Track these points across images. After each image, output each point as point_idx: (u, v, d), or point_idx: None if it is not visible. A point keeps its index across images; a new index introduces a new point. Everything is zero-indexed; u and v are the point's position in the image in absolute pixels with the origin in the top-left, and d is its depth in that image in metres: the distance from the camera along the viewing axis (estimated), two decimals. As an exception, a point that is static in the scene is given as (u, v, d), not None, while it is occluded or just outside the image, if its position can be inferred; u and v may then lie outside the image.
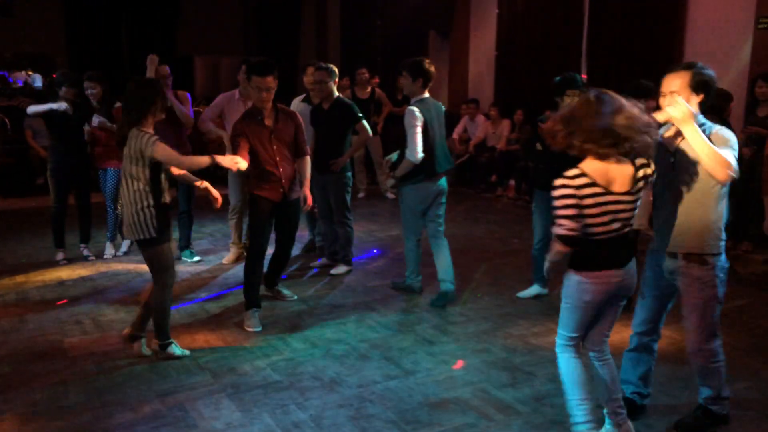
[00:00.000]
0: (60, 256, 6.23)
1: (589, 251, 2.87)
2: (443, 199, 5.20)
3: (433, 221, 5.20)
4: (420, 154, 4.87)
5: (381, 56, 12.85)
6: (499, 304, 5.14)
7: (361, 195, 9.45)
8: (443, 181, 5.17)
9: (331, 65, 5.73)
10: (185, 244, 6.39)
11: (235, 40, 16.03)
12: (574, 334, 3.04)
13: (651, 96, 4.61)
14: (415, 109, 4.93)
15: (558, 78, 4.90)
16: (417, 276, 5.42)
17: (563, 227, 2.77)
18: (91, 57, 13.39)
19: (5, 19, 13.68)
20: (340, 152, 5.68)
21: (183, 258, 6.31)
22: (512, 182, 9.56)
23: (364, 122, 5.78)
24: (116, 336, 4.48)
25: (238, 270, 6.03)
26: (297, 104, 6.24)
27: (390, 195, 9.28)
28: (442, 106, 5.31)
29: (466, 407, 3.54)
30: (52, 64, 13.92)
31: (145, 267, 6.06)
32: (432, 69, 5.09)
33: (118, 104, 6.15)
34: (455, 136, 10.44)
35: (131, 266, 6.14)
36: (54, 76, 6.72)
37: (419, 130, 4.88)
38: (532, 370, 3.97)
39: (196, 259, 6.36)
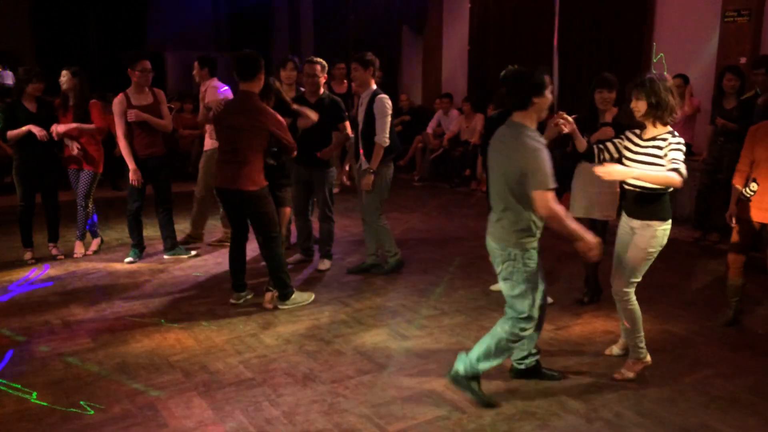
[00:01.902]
0: (28, 255, 6.12)
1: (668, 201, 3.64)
2: None
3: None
4: (388, 140, 5.42)
5: (354, 51, 12.79)
6: (473, 298, 5.17)
7: (336, 191, 9.40)
8: None
9: (323, 60, 5.72)
10: (174, 242, 6.33)
11: (207, 35, 15.84)
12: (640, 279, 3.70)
13: (614, 88, 4.67)
14: (387, 98, 5.42)
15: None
16: (396, 252, 5.76)
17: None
18: (58, 53, 13.14)
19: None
20: (326, 146, 5.67)
21: (177, 255, 6.25)
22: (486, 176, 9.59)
23: (347, 123, 5.77)
24: (85, 335, 4.42)
25: (209, 266, 5.98)
26: None
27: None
28: None
29: (440, 400, 3.55)
30: (19, 60, 13.63)
31: (115, 266, 6.01)
32: (377, 61, 5.58)
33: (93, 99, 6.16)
34: (429, 130, 10.47)
35: (101, 265, 6.05)
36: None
37: (389, 118, 5.41)
38: (505, 362, 3.99)
39: (193, 253, 6.33)
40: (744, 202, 4.42)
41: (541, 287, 3.43)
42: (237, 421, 3.35)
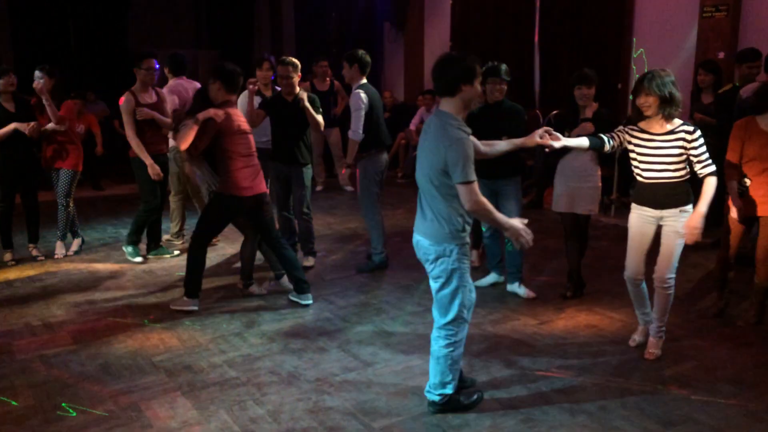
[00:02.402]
0: (8, 256, 6.04)
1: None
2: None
3: (381, 191, 5.78)
4: (361, 134, 5.50)
5: (336, 48, 12.78)
6: (457, 293, 5.18)
7: (319, 188, 9.40)
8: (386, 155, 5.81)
9: (294, 59, 5.67)
10: (158, 241, 6.31)
11: (188, 34, 15.70)
12: None
13: (593, 83, 4.70)
14: (361, 92, 5.50)
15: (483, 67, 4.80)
16: (382, 251, 5.79)
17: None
18: (37, 53, 12.98)
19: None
20: (305, 143, 5.69)
21: (161, 255, 6.22)
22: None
23: (320, 117, 5.72)
24: (67, 336, 4.38)
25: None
26: (241, 98, 6.11)
27: (348, 188, 9.26)
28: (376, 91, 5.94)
29: (424, 396, 3.55)
30: (-3, 60, 13.45)
31: (96, 266, 5.96)
32: (367, 57, 5.64)
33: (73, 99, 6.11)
34: (412, 127, 10.46)
35: (82, 266, 5.99)
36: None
37: (363, 113, 5.49)
38: (489, 358, 4.01)
39: (176, 253, 6.30)
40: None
41: (472, 286, 3.35)
42: (221, 420, 3.33)
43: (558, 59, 9.14)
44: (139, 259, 6.07)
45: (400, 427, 3.27)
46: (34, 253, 6.20)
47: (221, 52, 13.87)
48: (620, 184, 7.44)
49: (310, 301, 4.90)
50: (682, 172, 3.81)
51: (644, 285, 4.08)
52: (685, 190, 3.84)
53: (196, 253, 4.81)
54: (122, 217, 7.90)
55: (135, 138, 5.75)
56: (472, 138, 3.20)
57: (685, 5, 7.77)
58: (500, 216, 3.21)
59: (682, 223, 3.81)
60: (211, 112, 4.61)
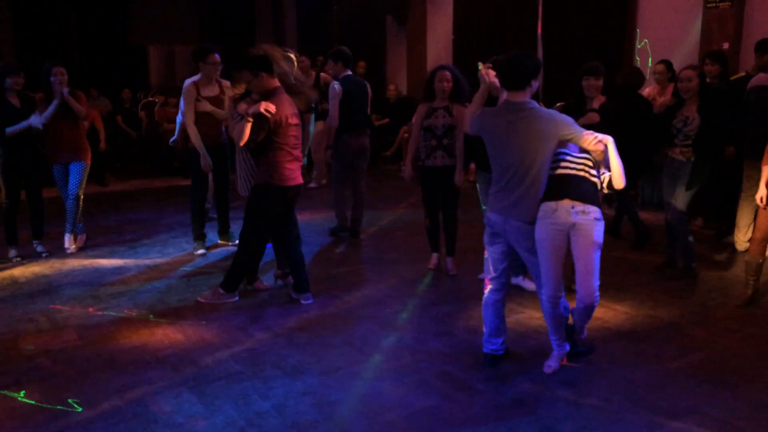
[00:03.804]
0: (13, 253, 6.05)
1: None
2: (367, 155, 6.69)
3: (356, 172, 6.63)
4: (336, 122, 6.33)
5: (338, 42, 12.75)
6: (460, 287, 5.18)
7: (311, 185, 9.36)
8: (366, 141, 6.61)
9: (290, 53, 5.64)
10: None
11: (189, 28, 15.68)
12: None
13: (601, 75, 4.68)
14: (335, 84, 6.34)
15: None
16: (339, 222, 6.71)
17: None
18: (38, 48, 12.99)
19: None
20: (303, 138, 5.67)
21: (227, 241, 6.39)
22: (472, 165, 9.57)
23: (311, 116, 5.87)
24: (72, 332, 4.39)
25: (196, 261, 5.95)
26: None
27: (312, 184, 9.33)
28: (366, 83, 6.81)
29: (430, 390, 3.55)
30: (-1, 56, 13.46)
31: (101, 261, 5.97)
32: (349, 52, 6.55)
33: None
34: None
35: (86, 261, 6.00)
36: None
37: (337, 102, 6.28)
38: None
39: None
40: None
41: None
42: (227, 415, 3.34)
43: (561, 51, 9.10)
44: (201, 251, 6.15)
45: (405, 421, 3.27)
46: (39, 249, 6.21)
47: (222, 47, 13.84)
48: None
49: (310, 301, 4.89)
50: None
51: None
52: None
53: (251, 247, 4.83)
54: (126, 213, 7.91)
55: (193, 127, 5.82)
56: None
57: (689, -2, 7.73)
58: None
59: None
60: (262, 106, 4.43)
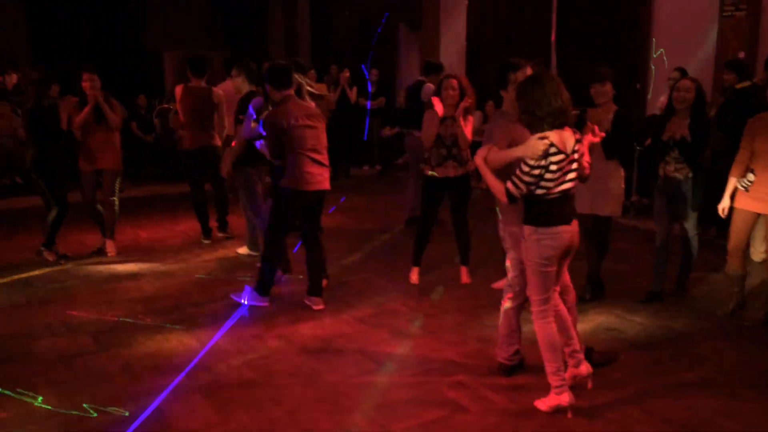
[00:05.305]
0: (53, 255, 6.12)
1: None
2: None
3: None
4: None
5: (351, 49, 12.80)
6: (474, 296, 5.17)
7: None
8: None
9: (300, 60, 5.72)
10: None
11: (203, 35, 15.80)
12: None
13: (605, 80, 4.65)
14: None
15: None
16: None
17: None
18: (54, 54, 13.11)
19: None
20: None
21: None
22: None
23: None
24: (87, 337, 4.42)
25: (211, 268, 5.98)
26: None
27: None
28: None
29: (443, 400, 3.55)
30: (15, 61, 13.60)
31: (116, 267, 6.00)
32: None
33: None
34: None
35: (102, 267, 6.04)
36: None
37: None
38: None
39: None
40: (741, 194, 4.43)
41: None
42: (240, 422, 3.35)
43: (575, 59, 9.07)
44: (206, 241, 6.69)
45: (418, 430, 3.26)
46: (52, 253, 6.23)
47: (235, 52, 13.93)
48: (639, 184, 7.38)
49: (321, 306, 4.90)
50: None
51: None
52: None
53: (271, 250, 4.88)
54: (140, 219, 7.95)
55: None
56: None
57: (705, 4, 7.69)
58: None
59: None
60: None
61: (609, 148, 4.55)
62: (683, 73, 7.32)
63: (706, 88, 7.25)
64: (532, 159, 3.18)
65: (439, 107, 5.16)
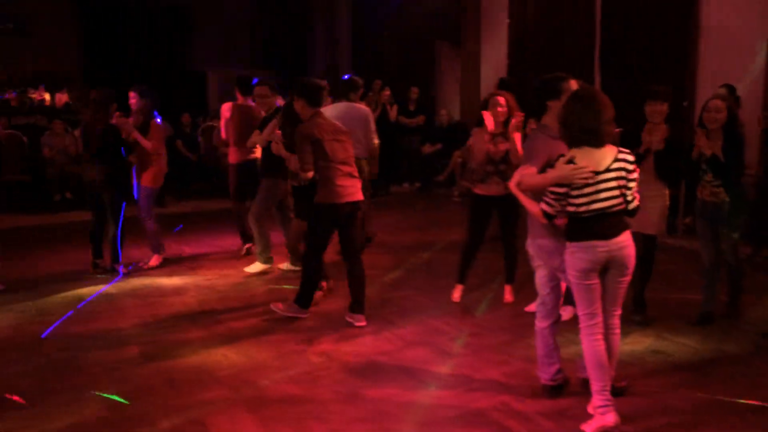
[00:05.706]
0: (121, 268, 6.31)
1: None
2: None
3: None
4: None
5: (392, 67, 12.88)
6: (519, 314, 5.10)
7: None
8: None
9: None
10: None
11: (246, 54, 16.12)
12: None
13: (665, 100, 4.57)
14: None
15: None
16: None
17: None
18: (105, 73, 13.52)
19: (21, 39, 13.89)
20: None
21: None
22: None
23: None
24: (133, 350, 4.49)
25: (257, 283, 6.03)
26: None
27: None
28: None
29: (487, 420, 3.49)
30: (68, 81, 14.07)
31: (161, 281, 6.11)
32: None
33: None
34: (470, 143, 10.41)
35: (147, 281, 6.15)
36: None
37: None
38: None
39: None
40: None
41: None
42: (284, 438, 3.35)
43: (620, 76, 8.95)
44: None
45: (463, 450, 3.22)
46: (103, 267, 6.38)
47: (276, 71, 14.15)
48: (686, 203, 7.21)
49: (363, 323, 4.89)
50: None
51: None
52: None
53: (310, 265, 4.95)
54: (184, 234, 8.09)
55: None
56: None
57: (754, 22, 7.52)
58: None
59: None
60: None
61: (662, 168, 4.47)
62: (731, 90, 7.17)
63: (755, 105, 7.12)
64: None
65: (490, 123, 5.14)
